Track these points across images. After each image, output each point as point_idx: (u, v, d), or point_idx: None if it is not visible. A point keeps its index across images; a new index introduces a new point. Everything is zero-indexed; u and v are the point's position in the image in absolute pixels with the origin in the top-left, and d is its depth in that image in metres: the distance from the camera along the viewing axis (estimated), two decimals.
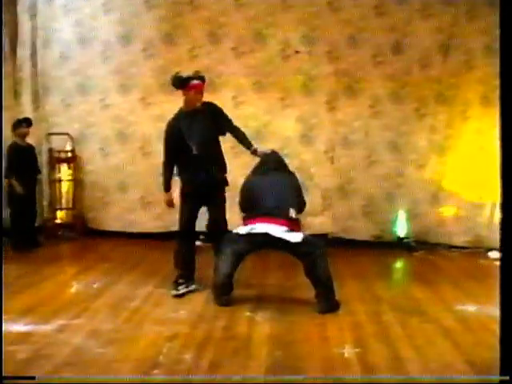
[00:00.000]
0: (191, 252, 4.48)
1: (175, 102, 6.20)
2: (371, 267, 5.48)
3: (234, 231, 4.19)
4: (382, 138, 6.28)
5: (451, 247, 6.21)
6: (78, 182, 6.51)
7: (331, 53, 6.18)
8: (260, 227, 4.04)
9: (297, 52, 6.20)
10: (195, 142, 4.30)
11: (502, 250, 2.40)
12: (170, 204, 4.53)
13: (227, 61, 6.23)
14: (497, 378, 2.41)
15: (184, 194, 4.43)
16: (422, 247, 6.21)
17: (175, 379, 2.92)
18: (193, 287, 4.42)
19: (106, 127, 6.42)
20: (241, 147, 4.59)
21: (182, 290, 4.34)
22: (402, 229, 6.33)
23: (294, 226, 4.14)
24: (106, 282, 4.62)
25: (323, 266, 4.04)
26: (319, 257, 4.04)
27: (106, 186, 6.48)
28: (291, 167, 6.22)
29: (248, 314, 3.93)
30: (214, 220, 4.46)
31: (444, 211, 6.29)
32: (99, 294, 4.28)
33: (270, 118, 6.31)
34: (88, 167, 6.52)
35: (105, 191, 6.49)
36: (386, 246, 6.21)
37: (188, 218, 4.39)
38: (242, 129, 4.55)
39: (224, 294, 4.12)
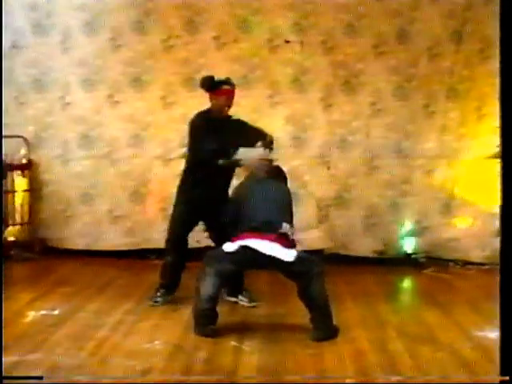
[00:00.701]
0: (178, 264, 4.68)
1: (148, 100, 6.32)
2: (374, 287, 5.47)
3: (220, 248, 4.18)
4: (386, 140, 6.30)
5: (466, 263, 6.23)
6: (34, 193, 6.44)
7: (326, 42, 6.20)
8: (250, 244, 4.03)
9: (287, 42, 6.22)
10: (224, 152, 4.51)
11: (501, 250, 2.40)
12: None
13: (207, 52, 6.24)
14: (497, 377, 2.55)
15: (185, 200, 4.60)
16: (432, 264, 6.22)
17: None
18: (169, 298, 4.63)
19: (67, 129, 6.37)
20: None
21: (160, 299, 4.59)
22: (409, 243, 6.34)
23: (288, 242, 4.13)
24: (67, 308, 4.56)
25: (319, 287, 4.04)
26: (315, 277, 4.02)
27: (68, 198, 6.42)
28: None
29: (233, 343, 3.89)
30: (219, 231, 4.61)
31: (457, 223, 6.32)
32: (60, 323, 4.23)
33: (256, 117, 6.23)
34: (46, 176, 6.46)
35: (66, 203, 6.43)
36: (391, 263, 6.21)
37: (182, 227, 4.63)
38: None
39: (207, 323, 4.09)
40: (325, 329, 4.00)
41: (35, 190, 6.45)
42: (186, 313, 4.44)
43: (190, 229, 4.75)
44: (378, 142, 6.31)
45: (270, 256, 3.97)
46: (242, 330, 4.17)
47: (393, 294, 5.61)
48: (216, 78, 4.60)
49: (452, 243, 6.33)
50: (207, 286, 4.07)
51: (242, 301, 4.76)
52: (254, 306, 4.70)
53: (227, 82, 4.59)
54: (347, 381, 2.96)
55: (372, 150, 6.32)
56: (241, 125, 4.78)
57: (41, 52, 6.29)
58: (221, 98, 4.58)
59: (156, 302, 4.68)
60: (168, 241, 4.76)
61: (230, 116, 4.75)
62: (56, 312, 4.45)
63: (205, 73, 6.15)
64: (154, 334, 4.04)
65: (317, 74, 6.25)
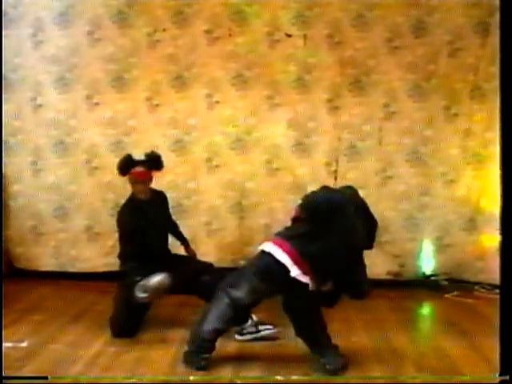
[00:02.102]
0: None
1: (131, 101, 6.30)
2: (389, 314, 5.44)
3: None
4: (401, 146, 6.30)
5: (494, 287, 6.18)
6: (0, 207, 6.40)
7: (333, 36, 6.22)
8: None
9: (288, 36, 6.23)
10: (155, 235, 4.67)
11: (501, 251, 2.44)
12: None
13: (199, 48, 6.25)
14: (497, 378, 2.73)
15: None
16: (455, 287, 6.20)
17: None
18: None
19: (39, 134, 6.36)
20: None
21: None
22: (427, 263, 6.33)
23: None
24: (38, 340, 4.53)
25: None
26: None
27: (40, 212, 6.40)
28: (282, 185, 6.29)
29: (228, 376, 3.89)
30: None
31: (484, 240, 6.29)
32: (29, 356, 4.19)
33: (254, 121, 6.31)
34: (15, 187, 6.43)
35: (38, 219, 6.41)
36: (408, 286, 6.21)
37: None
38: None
39: (203, 353, 4.06)
40: (338, 358, 4.02)
41: (2, 204, 6.40)
42: (174, 343, 4.42)
43: None
44: (391, 149, 6.31)
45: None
46: (238, 360, 4.15)
47: (410, 321, 5.55)
48: (136, 157, 4.71)
49: (478, 264, 6.30)
50: (219, 317, 4.07)
51: (266, 329, 4.65)
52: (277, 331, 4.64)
53: (139, 161, 4.68)
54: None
55: (385, 158, 6.32)
56: (164, 196, 5.00)
57: (8, 46, 6.24)
58: (131, 181, 4.73)
59: None
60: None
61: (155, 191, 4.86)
62: (24, 344, 4.41)
63: (196, 71, 6.24)
64: (137, 368, 4.01)
65: (322, 72, 6.25)
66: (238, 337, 4.55)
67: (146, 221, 4.61)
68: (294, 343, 4.35)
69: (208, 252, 6.19)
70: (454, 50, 6.16)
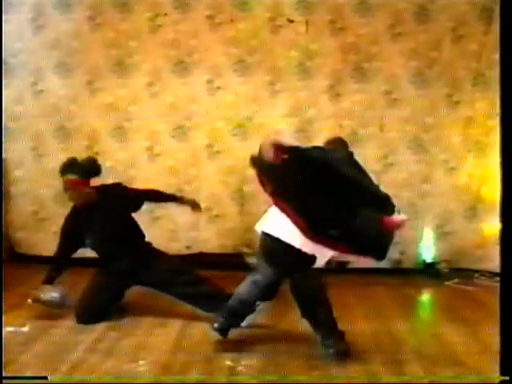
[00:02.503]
0: None
1: (131, 87, 6.29)
2: (389, 302, 5.45)
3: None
4: (402, 134, 6.31)
5: (495, 275, 6.20)
6: (1, 192, 6.42)
7: (335, 22, 6.20)
8: None
9: (290, 21, 6.22)
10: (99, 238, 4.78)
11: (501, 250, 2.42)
12: None
13: (200, 33, 6.24)
14: (497, 377, 2.69)
15: None
16: (455, 275, 6.22)
17: None
18: None
19: (41, 120, 6.36)
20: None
21: None
22: (428, 251, 6.35)
23: None
24: (39, 324, 4.54)
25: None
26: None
27: (41, 198, 6.42)
28: None
29: (228, 362, 3.90)
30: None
31: (484, 228, 6.30)
32: (30, 341, 4.20)
33: (255, 107, 6.31)
34: (16, 173, 6.46)
35: (39, 204, 6.43)
36: (408, 274, 6.23)
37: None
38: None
39: (229, 324, 4.17)
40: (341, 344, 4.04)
41: (2, 189, 6.42)
42: (176, 328, 4.47)
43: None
44: (393, 136, 6.32)
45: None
46: (239, 346, 4.16)
47: (410, 309, 5.57)
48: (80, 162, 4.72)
49: (478, 251, 6.32)
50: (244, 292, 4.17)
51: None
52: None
53: (68, 170, 4.63)
54: None
55: (386, 145, 6.33)
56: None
57: (8, 31, 6.24)
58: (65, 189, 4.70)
59: None
60: None
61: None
62: (25, 329, 4.42)
63: (197, 56, 6.23)
64: (138, 353, 4.02)
65: (324, 58, 6.25)
66: None
67: (86, 226, 4.71)
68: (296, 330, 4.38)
69: (209, 238, 6.22)
70: (457, 36, 6.14)
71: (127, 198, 4.86)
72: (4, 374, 2.77)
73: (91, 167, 4.74)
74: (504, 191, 2.54)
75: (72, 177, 4.61)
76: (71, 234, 4.79)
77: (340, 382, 3.51)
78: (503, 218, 2.69)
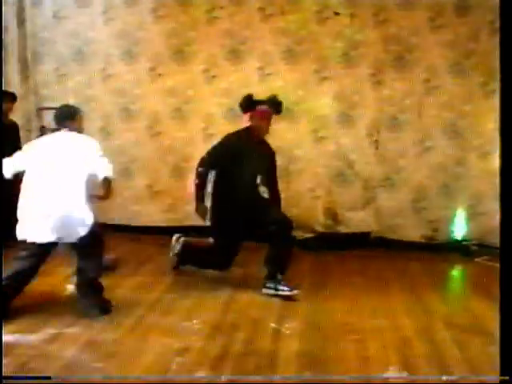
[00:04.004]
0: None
1: (189, 73, 6.33)
2: (422, 274, 5.44)
3: None
4: (439, 120, 6.21)
5: None
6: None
7: (378, 15, 6.12)
8: None
9: (336, 14, 6.16)
10: (259, 172, 4.77)
11: (501, 248, 2.39)
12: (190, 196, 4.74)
13: (253, 24, 6.23)
14: (497, 378, 2.60)
15: (221, 228, 4.71)
16: (484, 252, 6.13)
17: None
18: None
19: (108, 102, 6.46)
20: None
21: None
22: (460, 229, 6.28)
23: None
24: (105, 284, 4.50)
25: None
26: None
27: None
28: (327, 152, 6.27)
29: (273, 325, 3.94)
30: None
31: None
32: None
33: (302, 93, 6.28)
34: None
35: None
36: (441, 250, 6.17)
37: (225, 255, 4.75)
38: None
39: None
40: None
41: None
42: (226, 292, 4.54)
43: (234, 252, 4.80)
44: (430, 122, 6.23)
45: None
46: (282, 312, 4.20)
47: (441, 282, 5.55)
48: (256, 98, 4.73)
49: None
50: None
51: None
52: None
53: (264, 101, 4.69)
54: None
55: (424, 130, 6.25)
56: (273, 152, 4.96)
57: (82, 22, 6.36)
58: (255, 119, 4.69)
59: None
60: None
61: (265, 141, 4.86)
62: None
63: (249, 45, 6.23)
64: (192, 313, 4.10)
65: (367, 48, 6.18)
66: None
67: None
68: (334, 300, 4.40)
69: None
70: (494, 29, 5.96)
71: None
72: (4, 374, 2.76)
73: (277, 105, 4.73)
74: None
75: (265, 107, 4.67)
76: None
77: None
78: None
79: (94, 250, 4.00)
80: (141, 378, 2.97)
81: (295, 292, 4.49)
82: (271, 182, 4.97)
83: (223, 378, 2.96)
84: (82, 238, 3.88)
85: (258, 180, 4.83)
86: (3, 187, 5.54)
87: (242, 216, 4.64)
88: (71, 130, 4.16)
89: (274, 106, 4.71)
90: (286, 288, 4.49)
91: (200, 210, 4.67)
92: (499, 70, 2.53)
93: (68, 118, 4.20)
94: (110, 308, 4.07)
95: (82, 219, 3.89)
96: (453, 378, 3.06)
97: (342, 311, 4.23)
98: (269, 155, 4.92)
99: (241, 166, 4.62)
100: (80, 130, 4.24)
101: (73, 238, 3.89)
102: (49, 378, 2.86)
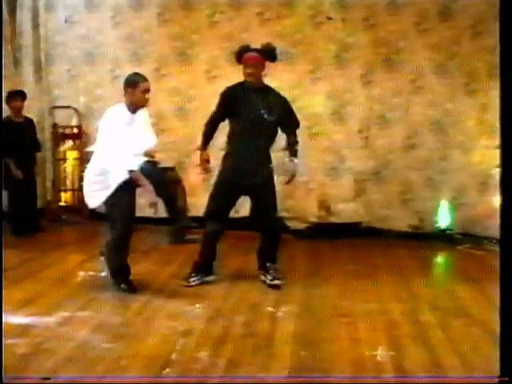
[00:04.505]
0: (212, 239, 4.43)
1: (192, 73, 6.32)
2: (409, 261, 5.44)
3: None
4: (425, 117, 6.20)
5: None
6: (84, 161, 6.54)
7: (368, 19, 6.12)
8: None
9: (329, 18, 6.15)
10: (254, 117, 4.27)
11: (501, 246, 2.51)
12: (205, 166, 4.40)
13: (251, 28, 6.22)
14: (497, 378, 2.51)
15: (223, 179, 4.37)
16: (466, 240, 6.13)
17: (189, 381, 2.94)
18: (209, 278, 4.47)
19: (116, 101, 6.31)
20: None
21: (194, 282, 4.39)
22: (444, 219, 6.27)
23: None
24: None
25: None
26: None
27: None
28: (320, 148, 6.27)
29: (270, 309, 3.95)
30: (259, 208, 4.45)
31: (494, 201, 6.19)
32: (107, 284, 4.29)
33: (297, 92, 6.26)
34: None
35: None
36: (426, 238, 6.17)
37: (221, 206, 4.36)
38: None
39: None
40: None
41: (85, 158, 6.54)
42: (227, 278, 4.55)
43: (231, 206, 4.42)
44: (417, 119, 6.23)
45: None
46: (279, 296, 4.21)
47: (426, 268, 5.54)
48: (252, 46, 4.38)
49: (487, 221, 6.21)
50: None
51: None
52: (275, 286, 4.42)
53: (250, 49, 4.32)
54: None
55: (411, 127, 6.24)
56: (283, 99, 4.51)
57: (92, 27, 6.36)
58: (244, 67, 4.34)
59: (190, 283, 4.40)
60: (206, 214, 4.43)
61: (267, 86, 4.48)
62: (103, 274, 4.49)
63: None
64: (195, 298, 4.10)
65: (358, 50, 6.17)
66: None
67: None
68: (328, 285, 4.40)
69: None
70: (475, 33, 5.98)
71: None
72: (4, 374, 2.70)
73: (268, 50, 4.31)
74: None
75: (251, 54, 4.29)
76: None
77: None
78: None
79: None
80: (136, 378, 2.93)
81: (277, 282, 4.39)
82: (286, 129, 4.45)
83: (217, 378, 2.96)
84: None
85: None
86: (15, 183, 5.54)
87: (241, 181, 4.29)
88: None
89: (267, 52, 4.28)
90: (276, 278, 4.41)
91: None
92: (499, 69, 2.48)
93: None
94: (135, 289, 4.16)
95: None
96: (452, 378, 3.03)
97: (334, 296, 4.24)
98: (274, 103, 4.34)
99: (241, 115, 4.30)
100: None
101: None
102: (48, 378, 2.84)
